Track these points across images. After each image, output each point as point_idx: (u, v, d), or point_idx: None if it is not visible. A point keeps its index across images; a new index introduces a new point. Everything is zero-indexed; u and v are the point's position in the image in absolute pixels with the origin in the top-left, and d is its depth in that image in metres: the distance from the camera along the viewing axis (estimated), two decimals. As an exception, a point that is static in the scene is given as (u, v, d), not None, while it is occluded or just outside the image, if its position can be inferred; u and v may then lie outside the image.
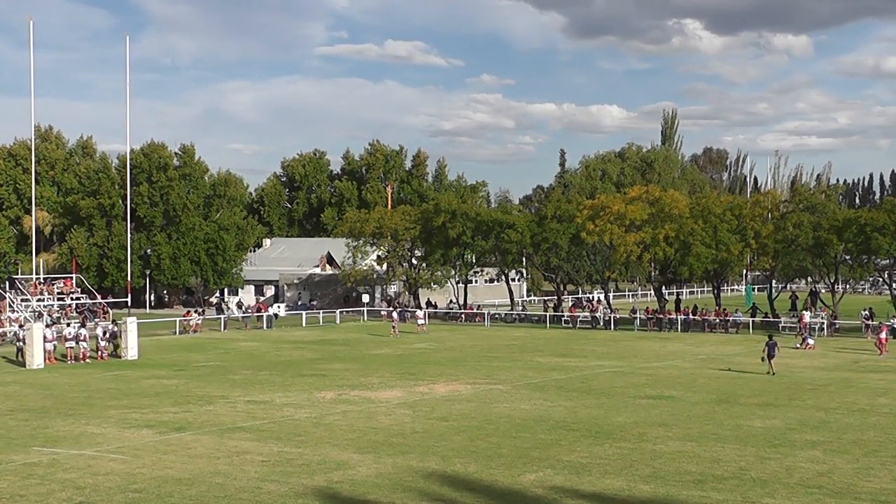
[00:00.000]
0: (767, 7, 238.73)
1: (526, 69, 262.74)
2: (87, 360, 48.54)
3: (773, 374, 41.29)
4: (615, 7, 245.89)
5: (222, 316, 71.95)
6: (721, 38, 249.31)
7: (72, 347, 48.75)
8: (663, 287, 79.81)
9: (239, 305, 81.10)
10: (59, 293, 65.20)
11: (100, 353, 50.01)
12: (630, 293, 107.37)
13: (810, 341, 54.97)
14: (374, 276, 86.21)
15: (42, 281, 66.08)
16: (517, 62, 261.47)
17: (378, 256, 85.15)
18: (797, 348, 53.27)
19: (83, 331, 50.16)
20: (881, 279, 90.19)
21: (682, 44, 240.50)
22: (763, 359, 41.96)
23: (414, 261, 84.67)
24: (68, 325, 52.42)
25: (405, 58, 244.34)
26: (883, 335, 51.74)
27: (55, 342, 48.59)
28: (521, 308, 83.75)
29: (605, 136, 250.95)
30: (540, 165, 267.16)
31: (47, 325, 50.24)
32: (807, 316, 63.30)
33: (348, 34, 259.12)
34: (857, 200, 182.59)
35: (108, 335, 51.87)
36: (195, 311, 71.96)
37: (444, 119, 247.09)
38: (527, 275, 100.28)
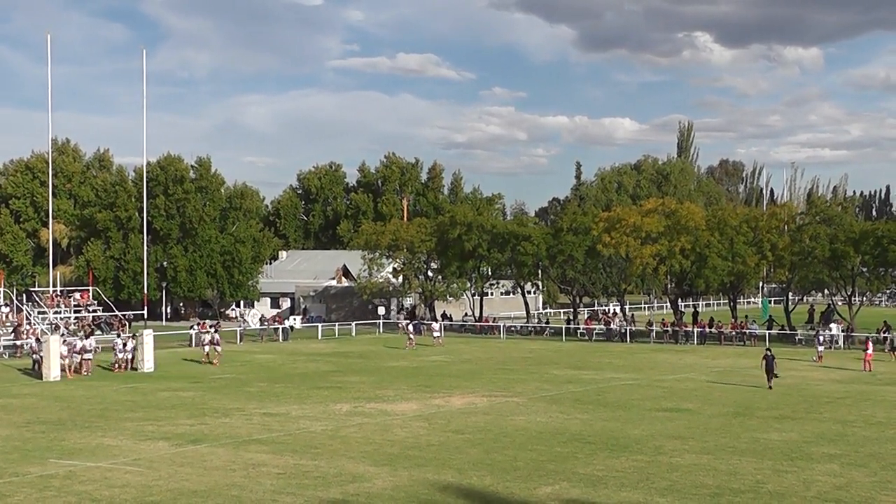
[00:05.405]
0: (777, 20, 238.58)
1: (538, 82, 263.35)
2: (89, 374, 48.49)
3: (771, 388, 40.85)
4: (625, 20, 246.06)
5: (238, 329, 71.90)
6: (731, 51, 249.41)
7: (89, 360, 48.96)
8: (679, 299, 79.62)
9: (262, 320, 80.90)
10: (75, 306, 65.47)
11: (116, 365, 50.16)
12: (646, 305, 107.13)
13: (820, 348, 54.85)
14: (390, 288, 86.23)
15: (59, 293, 66.36)
16: (529, 75, 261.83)
17: (394, 269, 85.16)
18: (813, 361, 52.99)
19: (93, 342, 50.38)
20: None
21: (693, 56, 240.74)
22: (769, 375, 41.45)
23: (430, 273, 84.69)
24: (86, 337, 52.56)
25: (417, 71, 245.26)
26: (870, 350, 50.46)
27: (71, 354, 48.71)
28: (536, 320, 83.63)
29: (618, 149, 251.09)
30: (553, 177, 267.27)
31: (63, 339, 50.39)
32: (834, 328, 63.16)
33: (360, 47, 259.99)
34: (874, 212, 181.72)
35: (126, 347, 51.92)
36: (210, 326, 71.58)
37: (458, 132, 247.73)
38: (542, 287, 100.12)
